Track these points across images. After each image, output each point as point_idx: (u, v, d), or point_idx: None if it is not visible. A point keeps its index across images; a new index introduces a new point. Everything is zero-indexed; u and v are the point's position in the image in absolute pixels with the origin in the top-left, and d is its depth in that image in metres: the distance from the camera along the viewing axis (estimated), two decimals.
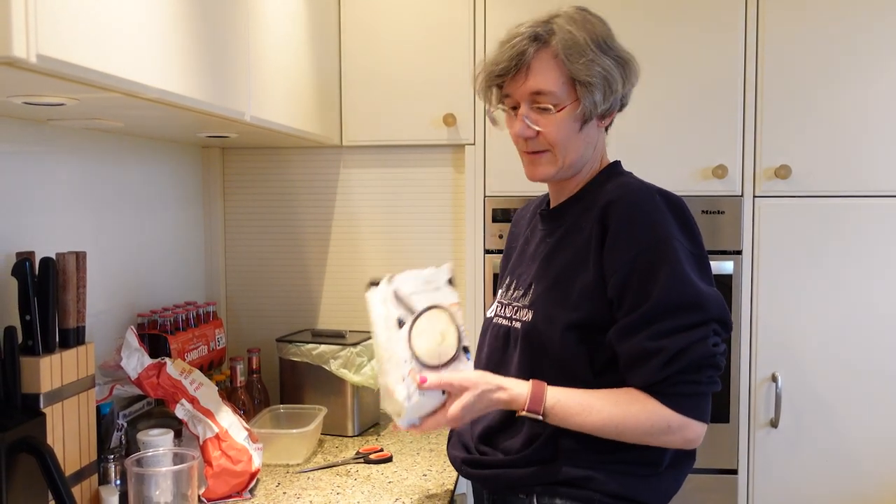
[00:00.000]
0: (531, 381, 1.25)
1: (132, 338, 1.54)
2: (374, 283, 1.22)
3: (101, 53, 1.00)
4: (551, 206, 1.43)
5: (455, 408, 1.22)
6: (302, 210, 2.27)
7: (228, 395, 1.89)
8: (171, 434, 1.51)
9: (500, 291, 1.47)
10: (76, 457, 1.37)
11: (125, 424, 1.55)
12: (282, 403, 2.00)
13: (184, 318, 1.83)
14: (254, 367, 2.01)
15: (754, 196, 2.03)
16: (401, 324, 1.20)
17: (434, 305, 1.24)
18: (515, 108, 1.32)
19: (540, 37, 1.28)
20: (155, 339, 1.73)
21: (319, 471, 1.71)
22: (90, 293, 1.48)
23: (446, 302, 1.25)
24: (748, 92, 2.01)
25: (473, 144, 2.11)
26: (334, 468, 1.73)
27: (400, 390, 1.19)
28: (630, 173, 1.38)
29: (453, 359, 1.23)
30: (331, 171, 2.25)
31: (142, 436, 1.49)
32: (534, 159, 1.34)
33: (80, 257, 1.40)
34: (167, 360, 1.58)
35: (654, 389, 1.21)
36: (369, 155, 2.22)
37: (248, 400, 1.95)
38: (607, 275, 1.24)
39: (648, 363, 1.20)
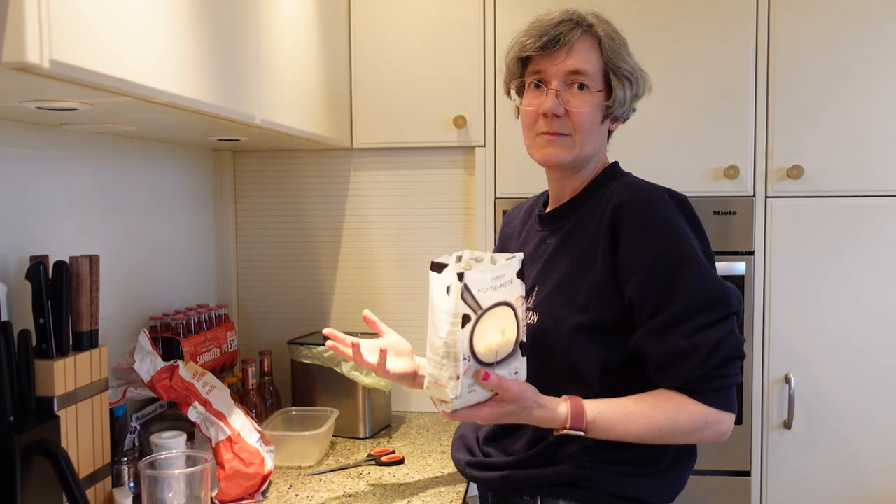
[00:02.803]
0: (567, 397, 1.22)
1: (145, 341, 1.55)
2: (439, 265, 1.15)
3: (113, 58, 1.00)
4: (550, 207, 1.42)
5: (494, 412, 1.18)
6: (313, 212, 2.28)
7: (241, 397, 1.90)
8: (184, 436, 1.52)
9: None
10: (90, 459, 1.38)
11: (138, 427, 1.56)
12: (293, 406, 2.01)
13: (196, 320, 1.84)
14: (266, 369, 2.02)
15: (766, 196, 2.02)
16: (465, 321, 1.13)
17: (500, 303, 1.18)
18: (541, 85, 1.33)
19: (582, 21, 1.31)
20: (167, 341, 1.73)
21: (331, 473, 1.72)
22: (103, 296, 1.49)
23: (513, 297, 1.19)
24: (760, 92, 2.00)
25: (484, 146, 2.11)
26: (346, 470, 1.73)
27: (451, 387, 1.15)
28: (630, 174, 1.38)
29: (509, 356, 1.19)
30: (341, 174, 2.25)
31: (155, 438, 1.50)
32: (552, 140, 1.32)
33: (93, 261, 1.41)
34: (180, 362, 1.59)
35: (690, 387, 1.21)
36: (380, 157, 2.22)
37: (260, 402, 1.96)
38: (624, 276, 1.23)
39: (687, 361, 1.20)
